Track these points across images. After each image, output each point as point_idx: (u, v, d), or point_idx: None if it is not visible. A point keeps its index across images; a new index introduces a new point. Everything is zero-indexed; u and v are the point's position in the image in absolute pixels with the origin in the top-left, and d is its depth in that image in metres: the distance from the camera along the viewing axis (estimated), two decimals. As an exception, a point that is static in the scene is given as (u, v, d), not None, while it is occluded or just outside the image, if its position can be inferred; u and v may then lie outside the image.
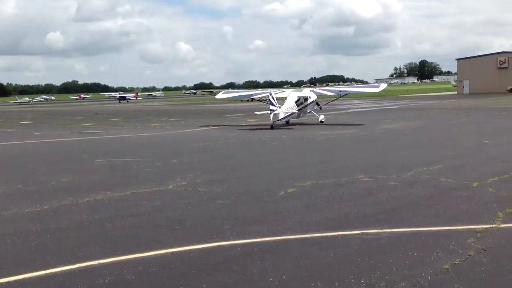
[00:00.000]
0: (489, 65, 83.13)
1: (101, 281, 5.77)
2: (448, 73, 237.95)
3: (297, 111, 29.52)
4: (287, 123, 29.07)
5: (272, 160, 15.48)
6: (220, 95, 38.55)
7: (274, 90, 34.15)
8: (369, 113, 37.45)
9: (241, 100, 77.97)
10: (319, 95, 33.27)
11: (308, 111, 30.73)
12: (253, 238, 7.22)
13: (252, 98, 37.31)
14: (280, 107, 28.04)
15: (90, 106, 79.52)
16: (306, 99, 30.71)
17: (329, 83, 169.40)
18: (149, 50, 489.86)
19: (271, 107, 27.49)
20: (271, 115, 27.26)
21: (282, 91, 35.78)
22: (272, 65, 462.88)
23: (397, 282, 5.52)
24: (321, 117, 30.26)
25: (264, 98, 32.98)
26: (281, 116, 27.85)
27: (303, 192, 10.30)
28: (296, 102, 29.80)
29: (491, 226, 7.49)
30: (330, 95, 35.04)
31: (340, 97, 38.33)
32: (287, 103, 29.28)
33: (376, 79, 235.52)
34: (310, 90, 33.70)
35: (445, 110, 38.56)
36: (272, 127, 26.91)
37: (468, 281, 5.52)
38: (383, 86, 36.28)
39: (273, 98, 27.82)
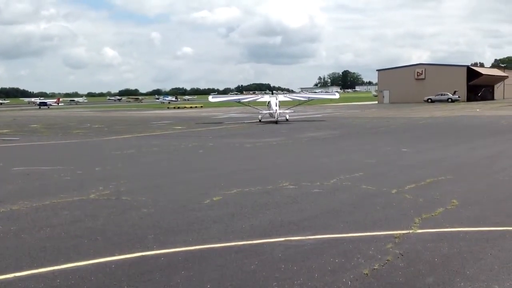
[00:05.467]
0: (407, 76, 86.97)
1: (16, 296, 5.51)
2: (369, 83, 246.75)
3: (281, 111, 38.70)
4: (260, 121, 37.96)
5: (198, 168, 15.38)
6: (211, 99, 48.43)
7: (269, 95, 46.61)
8: (294, 122, 38.03)
9: (168, 107, 77.70)
10: (294, 100, 45.06)
11: (281, 111, 39.17)
12: (178, 247, 7.14)
13: (239, 102, 46.12)
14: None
15: (8, 112, 75.98)
16: (279, 102, 40.11)
17: (256, 91, 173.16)
18: (73, 54, 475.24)
19: (275, 108, 37.91)
20: (275, 114, 37.42)
21: (262, 97, 45.82)
22: (200, 73, 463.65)
23: (319, 288, 5.63)
24: (287, 116, 39.11)
25: (249, 104, 44.12)
26: (279, 114, 37.71)
27: (229, 200, 10.31)
28: (278, 105, 38.84)
29: (408, 231, 7.78)
30: (302, 100, 46.84)
31: (308, 101, 49.20)
32: (274, 106, 38.12)
33: (301, 88, 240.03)
34: (284, 96, 46.17)
35: (367, 119, 39.85)
36: (276, 122, 36.28)
37: (386, 286, 5.71)
38: (338, 94, 49.85)
39: (277, 101, 39.17)
